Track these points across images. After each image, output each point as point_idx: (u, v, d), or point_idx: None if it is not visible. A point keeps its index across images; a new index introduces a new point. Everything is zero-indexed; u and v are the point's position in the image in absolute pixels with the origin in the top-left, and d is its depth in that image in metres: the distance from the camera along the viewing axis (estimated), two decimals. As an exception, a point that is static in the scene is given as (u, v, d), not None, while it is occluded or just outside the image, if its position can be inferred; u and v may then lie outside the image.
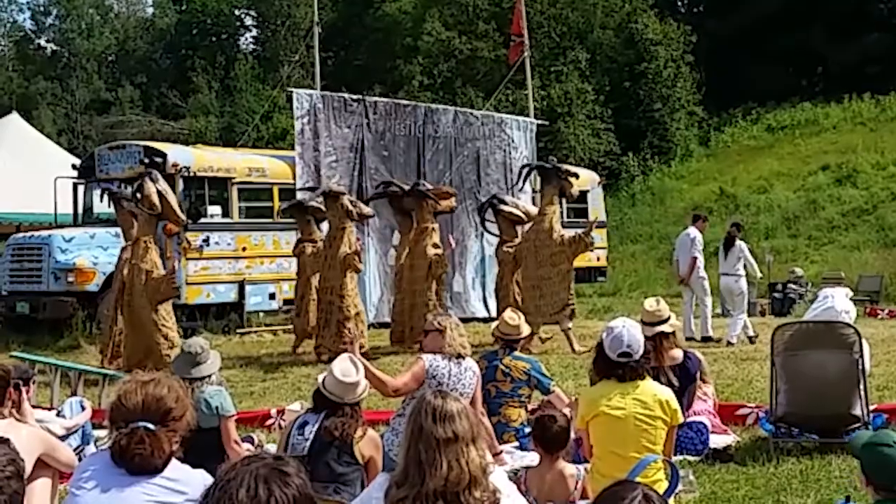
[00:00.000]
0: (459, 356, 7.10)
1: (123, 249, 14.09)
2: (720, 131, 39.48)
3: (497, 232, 15.98)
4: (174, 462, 4.10)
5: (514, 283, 15.33)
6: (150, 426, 3.98)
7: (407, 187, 15.71)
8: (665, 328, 7.70)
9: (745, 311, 15.76)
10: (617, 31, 40.60)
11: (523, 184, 15.47)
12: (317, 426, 5.91)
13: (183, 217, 13.69)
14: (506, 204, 15.51)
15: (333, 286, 14.27)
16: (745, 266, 15.90)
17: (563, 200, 17.05)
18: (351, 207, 14.45)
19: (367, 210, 15.22)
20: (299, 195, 16.62)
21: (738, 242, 15.85)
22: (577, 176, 15.26)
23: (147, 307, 12.70)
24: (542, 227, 14.75)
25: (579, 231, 14.95)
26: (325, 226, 15.51)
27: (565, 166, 15.43)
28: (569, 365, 12.92)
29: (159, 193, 12.90)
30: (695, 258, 15.69)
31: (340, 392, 5.88)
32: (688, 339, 15.13)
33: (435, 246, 15.01)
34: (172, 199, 13.26)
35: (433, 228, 15.25)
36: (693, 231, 15.92)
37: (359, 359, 6.25)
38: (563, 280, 14.57)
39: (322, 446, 5.82)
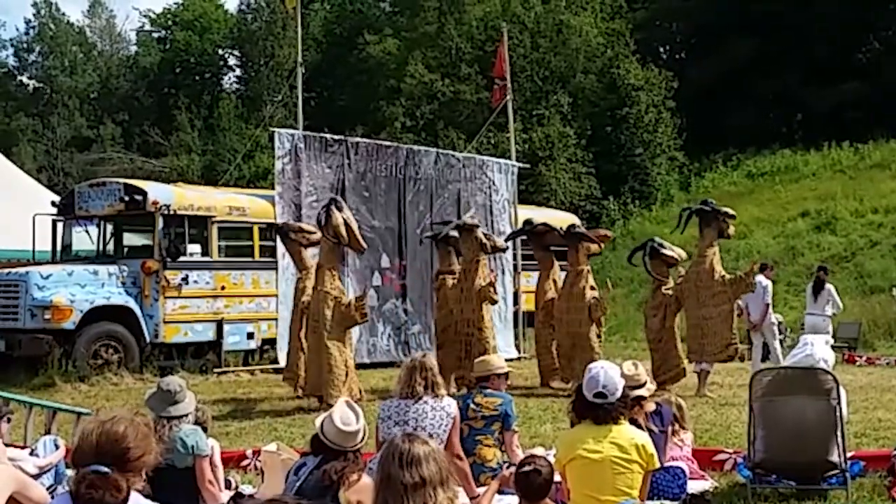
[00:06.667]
0: (417, 396, 7.01)
1: (299, 280, 14.63)
2: (701, 177, 39.63)
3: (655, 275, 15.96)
4: (137, 499, 4.02)
5: (675, 325, 15.04)
6: (103, 469, 3.87)
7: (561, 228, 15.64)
8: (643, 392, 7.68)
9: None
10: (599, 76, 40.83)
11: (685, 227, 15.49)
12: (312, 467, 5.66)
13: (364, 246, 13.91)
14: (664, 247, 15.48)
15: (471, 318, 14.35)
16: (832, 306, 16.93)
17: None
18: (485, 240, 14.52)
19: (500, 243, 15.23)
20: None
21: (828, 285, 16.56)
22: (734, 217, 15.48)
23: (332, 332, 12.88)
24: (702, 267, 14.78)
25: (740, 272, 15.01)
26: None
27: (724, 208, 15.52)
28: (547, 408, 12.89)
29: (345, 222, 13.03)
30: (767, 305, 16.07)
31: (341, 440, 5.62)
32: None
33: (592, 288, 14.93)
34: (355, 227, 13.44)
35: (588, 271, 15.21)
36: (764, 280, 16.16)
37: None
38: (725, 320, 14.52)
39: (309, 489, 5.53)
